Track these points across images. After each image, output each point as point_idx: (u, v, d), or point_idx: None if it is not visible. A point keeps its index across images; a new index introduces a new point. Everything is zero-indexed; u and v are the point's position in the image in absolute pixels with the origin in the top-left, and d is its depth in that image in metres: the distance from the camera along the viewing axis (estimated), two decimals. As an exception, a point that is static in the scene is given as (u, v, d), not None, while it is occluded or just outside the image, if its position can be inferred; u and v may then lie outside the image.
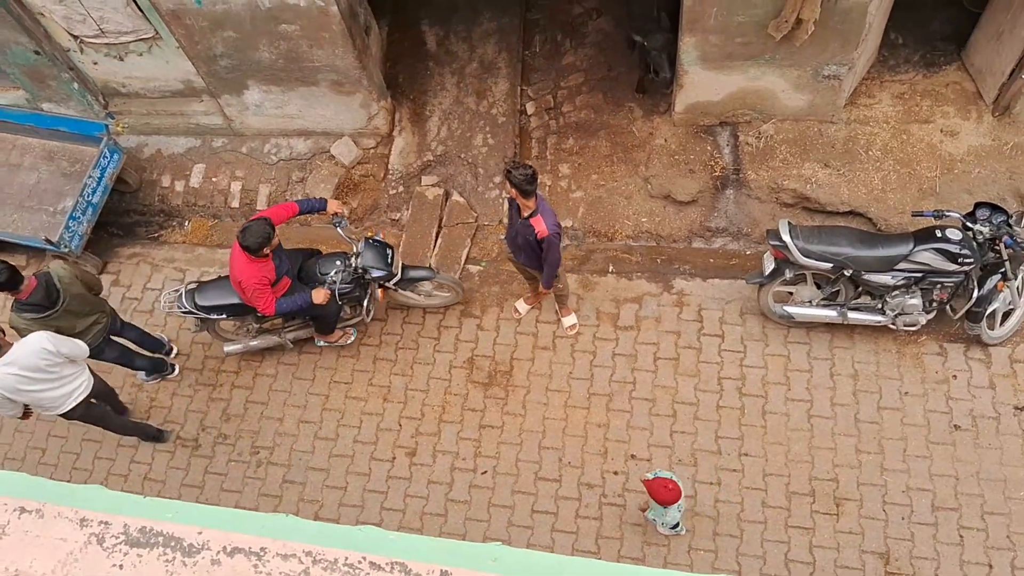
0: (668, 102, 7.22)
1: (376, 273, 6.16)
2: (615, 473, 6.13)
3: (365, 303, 6.50)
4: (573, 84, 7.70)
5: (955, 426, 5.96)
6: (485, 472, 6.26)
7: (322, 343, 6.88)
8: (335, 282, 6.02)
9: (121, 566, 1.99)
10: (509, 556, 2.02)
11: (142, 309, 7.43)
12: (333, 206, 6.04)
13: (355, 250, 6.18)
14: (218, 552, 1.99)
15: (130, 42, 7.06)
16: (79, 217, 7.23)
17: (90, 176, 7.26)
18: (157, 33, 6.89)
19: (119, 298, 7.51)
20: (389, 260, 6.19)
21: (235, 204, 7.84)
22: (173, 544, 2.00)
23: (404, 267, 6.38)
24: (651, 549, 5.83)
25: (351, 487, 6.38)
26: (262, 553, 1.98)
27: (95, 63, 7.41)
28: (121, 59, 7.29)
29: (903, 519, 5.71)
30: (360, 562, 1.96)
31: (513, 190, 5.30)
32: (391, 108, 7.72)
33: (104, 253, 7.79)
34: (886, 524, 5.71)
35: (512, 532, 6.04)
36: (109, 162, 7.42)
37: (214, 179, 7.91)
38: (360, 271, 6.13)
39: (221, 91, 7.41)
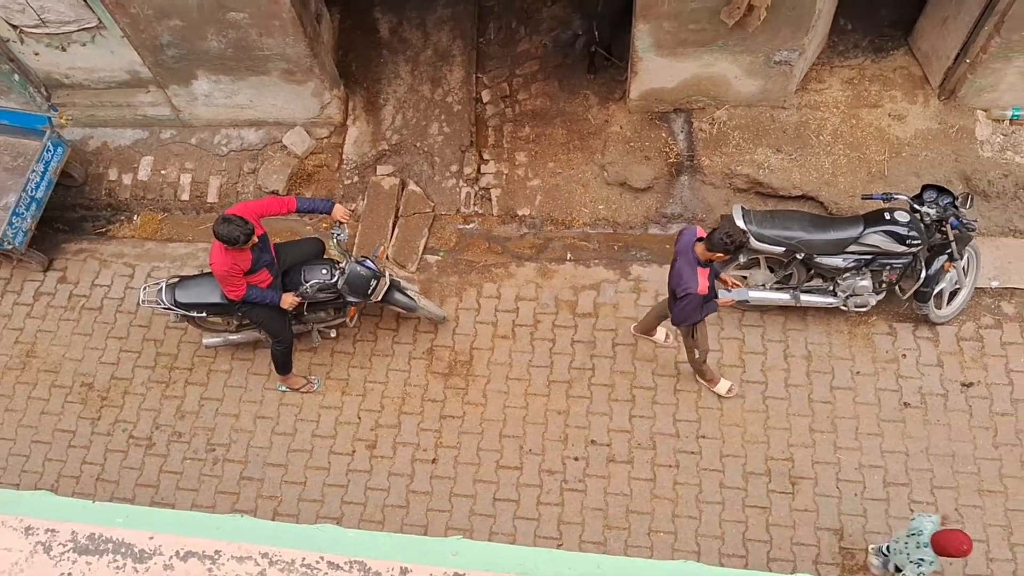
0: (623, 89, 7.24)
1: (351, 299, 6.08)
2: (576, 459, 6.16)
3: (331, 320, 6.52)
4: (528, 71, 7.68)
5: (905, 404, 6.10)
6: (435, 460, 6.29)
7: (283, 388, 6.64)
8: (307, 292, 5.86)
9: (69, 575, 1.94)
10: (469, 550, 2.02)
11: (90, 306, 7.25)
12: (339, 212, 5.77)
13: (342, 265, 5.97)
14: (171, 557, 1.95)
15: (72, 32, 6.87)
16: (23, 213, 7.01)
17: (33, 170, 7.04)
18: (101, 22, 6.71)
19: (66, 295, 7.32)
20: (370, 291, 6.01)
21: (185, 197, 7.67)
22: (123, 550, 1.96)
23: (390, 288, 6.17)
24: (612, 533, 5.89)
25: (310, 482, 6.32)
26: (216, 556, 1.95)
27: (36, 54, 7.18)
28: (64, 49, 7.08)
29: (856, 495, 5.84)
30: (318, 562, 1.93)
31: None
32: (344, 97, 7.61)
33: (50, 250, 7.56)
34: (840, 501, 5.84)
35: (474, 521, 6.05)
36: (53, 156, 7.21)
37: (163, 171, 7.73)
38: (337, 291, 5.99)
39: (168, 81, 7.23)
